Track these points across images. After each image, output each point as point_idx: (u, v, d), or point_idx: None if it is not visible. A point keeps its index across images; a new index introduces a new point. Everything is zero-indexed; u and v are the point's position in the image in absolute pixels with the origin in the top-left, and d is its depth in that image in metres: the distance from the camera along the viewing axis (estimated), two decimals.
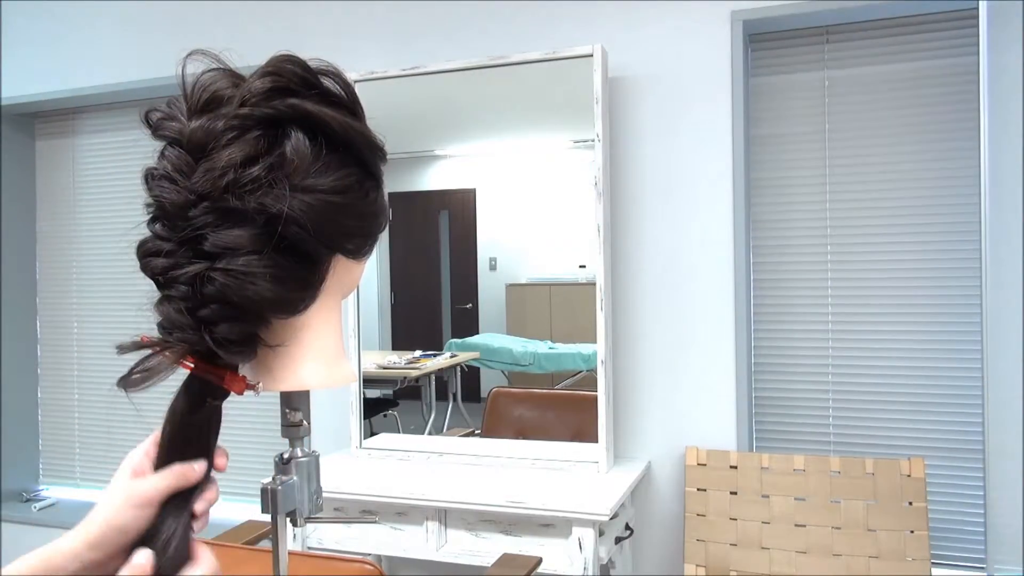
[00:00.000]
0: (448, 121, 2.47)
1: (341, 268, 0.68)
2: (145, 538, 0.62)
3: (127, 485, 0.63)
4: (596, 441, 2.16)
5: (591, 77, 2.14)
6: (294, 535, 2.08)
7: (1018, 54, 1.98)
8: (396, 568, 2.54)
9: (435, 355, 2.54)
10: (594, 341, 2.18)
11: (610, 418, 2.20)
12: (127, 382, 0.61)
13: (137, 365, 0.61)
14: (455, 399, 2.57)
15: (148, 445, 0.66)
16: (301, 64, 0.64)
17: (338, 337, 0.70)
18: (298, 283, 0.63)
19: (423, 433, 2.58)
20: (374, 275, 2.58)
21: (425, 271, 2.64)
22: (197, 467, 0.64)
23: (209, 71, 0.64)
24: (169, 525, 0.63)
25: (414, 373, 2.53)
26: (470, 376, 2.54)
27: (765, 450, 2.26)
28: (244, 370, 0.67)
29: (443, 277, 2.60)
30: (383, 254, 2.60)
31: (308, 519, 0.74)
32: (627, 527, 2.16)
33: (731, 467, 2.10)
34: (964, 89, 2.09)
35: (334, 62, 0.67)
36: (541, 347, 2.46)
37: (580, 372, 2.37)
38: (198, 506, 0.65)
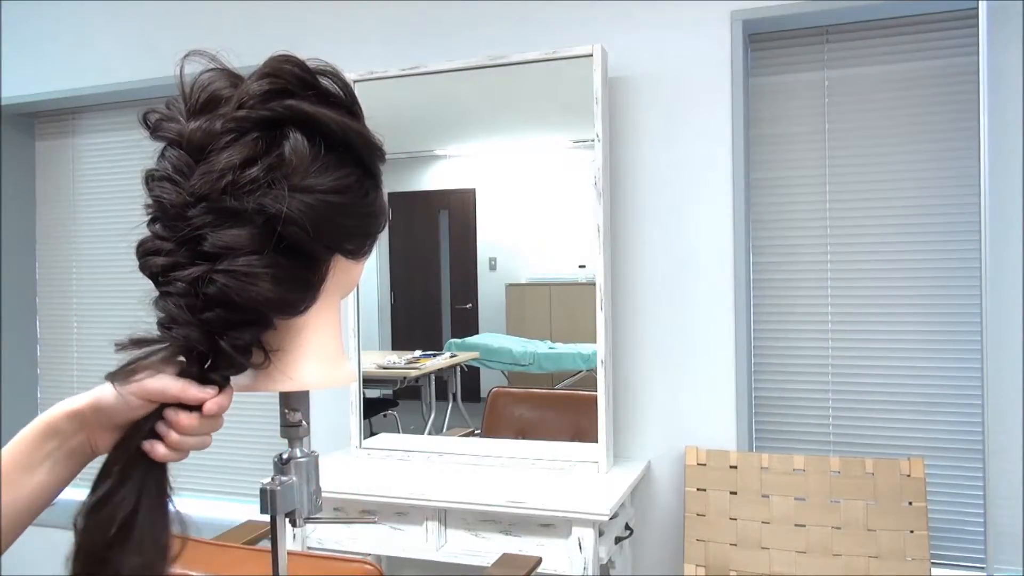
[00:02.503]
0: (448, 121, 2.47)
1: (341, 268, 0.68)
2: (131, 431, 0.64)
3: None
4: (596, 441, 2.16)
5: (591, 77, 2.14)
6: (294, 535, 2.08)
7: (1018, 54, 1.97)
8: (396, 568, 2.54)
9: (435, 355, 2.54)
10: (594, 341, 2.18)
11: (610, 418, 2.20)
12: (115, 376, 0.61)
13: (129, 363, 0.61)
14: (455, 399, 2.57)
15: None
16: (299, 64, 0.64)
17: (337, 337, 0.70)
18: (298, 284, 0.63)
19: (423, 433, 2.58)
20: (374, 275, 2.58)
21: (425, 271, 2.64)
22: (201, 392, 0.63)
23: (207, 71, 0.64)
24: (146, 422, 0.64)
25: (414, 373, 2.53)
26: (470, 376, 2.54)
27: (765, 450, 2.26)
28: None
29: (443, 277, 2.60)
30: (383, 254, 2.60)
31: (307, 519, 0.74)
32: (627, 527, 2.16)
33: (731, 467, 2.10)
34: (964, 89, 2.09)
35: (333, 62, 0.67)
36: (541, 347, 2.46)
37: (580, 372, 2.37)
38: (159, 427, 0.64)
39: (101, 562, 0.61)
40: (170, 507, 0.64)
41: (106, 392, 0.63)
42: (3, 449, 0.64)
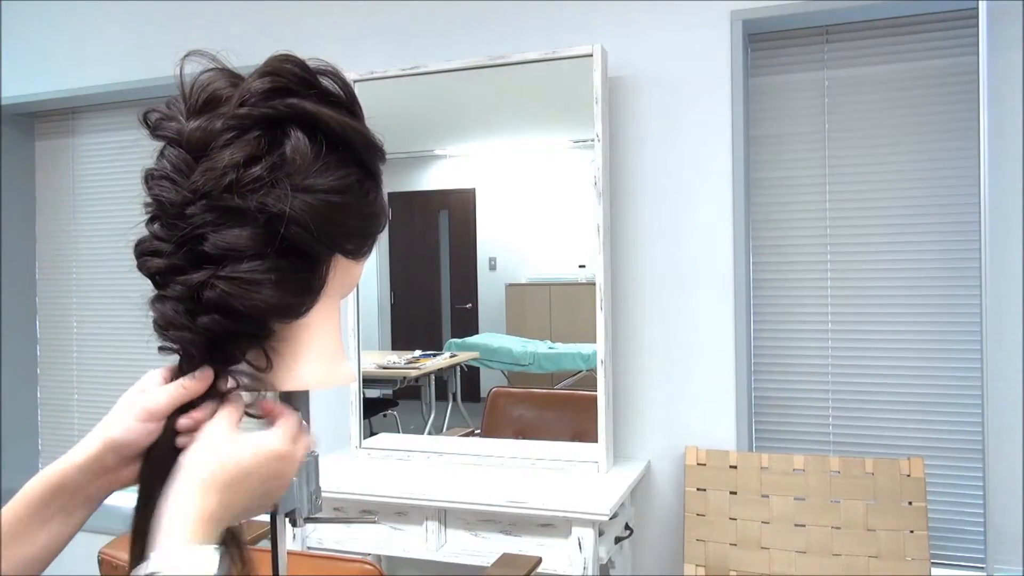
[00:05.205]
0: (448, 121, 2.47)
1: (341, 269, 0.68)
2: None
3: (134, 399, 0.62)
4: (596, 441, 2.16)
5: (591, 77, 2.14)
6: (294, 535, 2.08)
7: (1018, 54, 1.97)
8: (396, 568, 2.54)
9: (435, 355, 2.54)
10: (594, 341, 2.18)
11: (610, 418, 2.20)
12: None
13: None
14: (455, 399, 2.57)
15: (162, 371, 0.64)
16: (299, 64, 0.64)
17: (337, 337, 0.70)
18: (299, 287, 0.63)
19: (423, 433, 2.58)
20: (374, 275, 2.58)
21: (425, 271, 2.64)
22: (199, 376, 0.62)
23: (207, 71, 0.64)
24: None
25: (414, 373, 2.53)
26: (470, 376, 2.54)
27: (765, 450, 2.26)
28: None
29: (443, 277, 2.60)
30: (383, 254, 2.60)
31: (307, 519, 0.74)
32: (627, 527, 2.16)
33: (731, 467, 2.10)
34: (964, 89, 2.09)
35: (334, 62, 0.67)
36: (541, 347, 2.46)
37: (580, 372, 2.37)
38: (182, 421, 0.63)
39: None
40: None
41: (112, 430, 0.62)
42: (9, 506, 0.61)
